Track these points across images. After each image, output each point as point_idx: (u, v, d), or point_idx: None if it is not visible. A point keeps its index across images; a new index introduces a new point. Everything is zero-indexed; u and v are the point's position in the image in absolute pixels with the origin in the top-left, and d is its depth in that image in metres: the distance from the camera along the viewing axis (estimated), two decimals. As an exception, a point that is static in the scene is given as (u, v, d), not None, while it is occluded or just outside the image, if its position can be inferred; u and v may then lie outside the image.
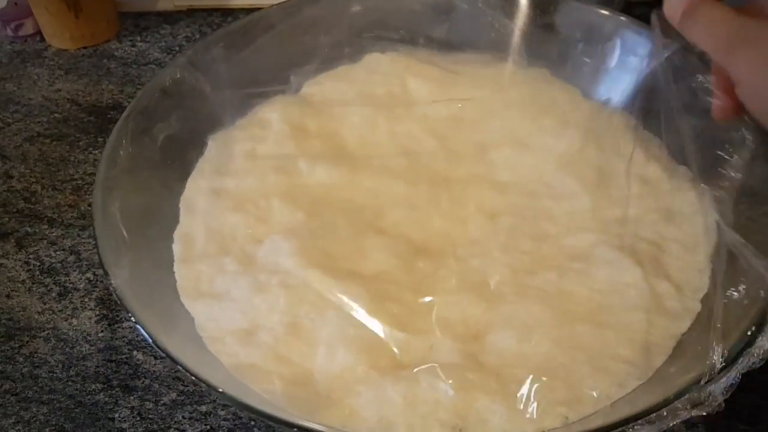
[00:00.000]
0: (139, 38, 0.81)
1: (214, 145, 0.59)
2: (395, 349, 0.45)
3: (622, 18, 0.62)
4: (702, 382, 0.38)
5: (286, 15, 0.66)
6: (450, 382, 0.42)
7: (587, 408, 0.42)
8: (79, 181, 0.66)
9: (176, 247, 0.52)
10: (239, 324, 0.47)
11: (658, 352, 0.45)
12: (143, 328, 0.41)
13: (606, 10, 0.63)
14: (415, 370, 0.43)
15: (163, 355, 0.41)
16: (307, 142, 0.59)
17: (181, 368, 0.40)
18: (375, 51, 0.67)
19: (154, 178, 0.55)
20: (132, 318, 0.42)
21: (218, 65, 0.62)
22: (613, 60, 0.62)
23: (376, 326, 0.46)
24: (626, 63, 0.62)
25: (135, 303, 0.43)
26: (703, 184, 0.54)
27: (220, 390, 0.39)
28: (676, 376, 0.41)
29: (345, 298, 0.47)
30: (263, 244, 0.51)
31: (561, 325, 0.46)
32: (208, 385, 0.39)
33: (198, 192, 0.56)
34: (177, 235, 0.53)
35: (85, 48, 0.80)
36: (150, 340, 0.41)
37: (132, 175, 0.53)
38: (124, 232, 0.49)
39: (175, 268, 0.51)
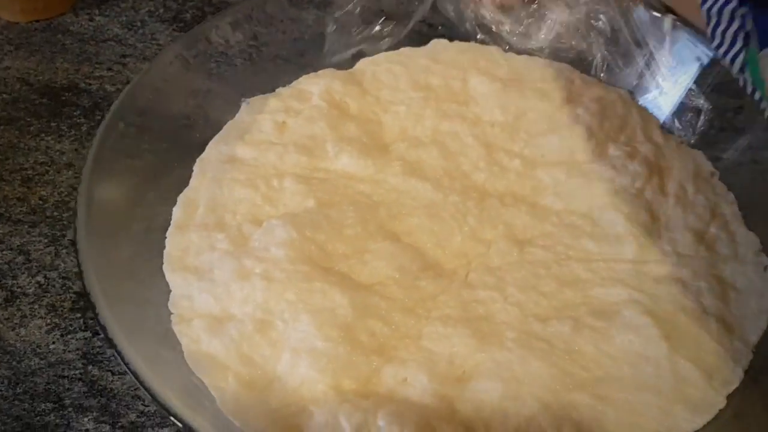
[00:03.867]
0: (97, 12, 0.72)
1: (246, 109, 0.56)
2: (364, 374, 0.41)
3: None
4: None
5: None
6: (410, 428, 0.38)
7: (557, 492, 0.37)
8: (30, 171, 0.58)
9: (177, 211, 0.49)
10: (211, 309, 0.44)
11: (659, 447, 0.38)
12: (84, 282, 0.39)
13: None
14: (376, 405, 0.39)
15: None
16: (342, 123, 0.54)
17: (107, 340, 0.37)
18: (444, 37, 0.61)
19: (175, 132, 0.53)
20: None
21: (277, 22, 0.59)
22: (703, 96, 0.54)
23: (350, 343, 0.41)
24: (720, 102, 0.54)
25: (93, 266, 0.40)
26: (768, 258, 0.46)
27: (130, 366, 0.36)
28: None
29: (325, 305, 0.43)
30: (261, 227, 0.47)
31: (557, 389, 0.40)
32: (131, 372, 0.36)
33: (216, 156, 0.53)
34: (182, 197, 0.50)
35: (37, 21, 0.71)
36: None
37: (149, 122, 0.51)
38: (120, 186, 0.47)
39: (169, 232, 0.48)
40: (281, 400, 0.40)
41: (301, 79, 0.59)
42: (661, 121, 0.56)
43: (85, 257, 0.41)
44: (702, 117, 0.54)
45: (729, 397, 0.40)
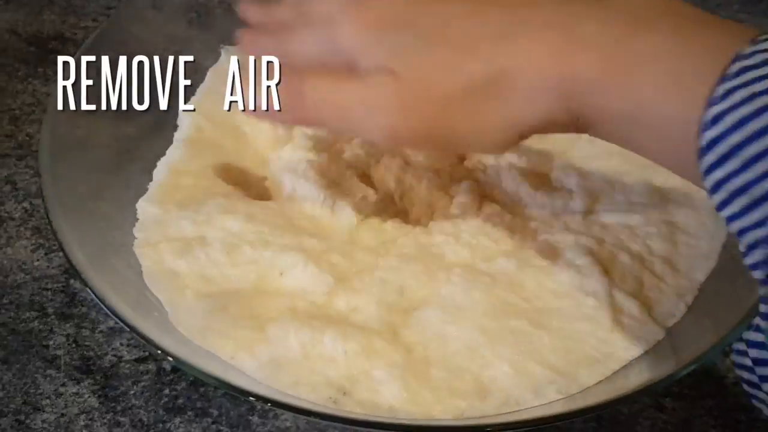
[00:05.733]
0: (83, -32, 0.76)
1: (226, 55, 0.57)
2: (318, 299, 0.43)
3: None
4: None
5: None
6: (352, 344, 0.39)
7: (489, 408, 0.38)
8: (17, 111, 0.63)
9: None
10: (185, 232, 0.45)
11: (594, 371, 0.39)
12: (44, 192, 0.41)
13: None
14: (325, 324, 0.41)
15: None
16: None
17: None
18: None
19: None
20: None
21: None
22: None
23: (310, 271, 0.43)
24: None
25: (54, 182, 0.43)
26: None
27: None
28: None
29: (292, 238, 0.45)
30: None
31: (495, 316, 0.42)
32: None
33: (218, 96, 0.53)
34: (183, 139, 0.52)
35: None
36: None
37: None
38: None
39: (156, 171, 0.50)
40: (236, 314, 0.42)
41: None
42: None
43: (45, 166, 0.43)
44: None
45: (669, 329, 0.41)
